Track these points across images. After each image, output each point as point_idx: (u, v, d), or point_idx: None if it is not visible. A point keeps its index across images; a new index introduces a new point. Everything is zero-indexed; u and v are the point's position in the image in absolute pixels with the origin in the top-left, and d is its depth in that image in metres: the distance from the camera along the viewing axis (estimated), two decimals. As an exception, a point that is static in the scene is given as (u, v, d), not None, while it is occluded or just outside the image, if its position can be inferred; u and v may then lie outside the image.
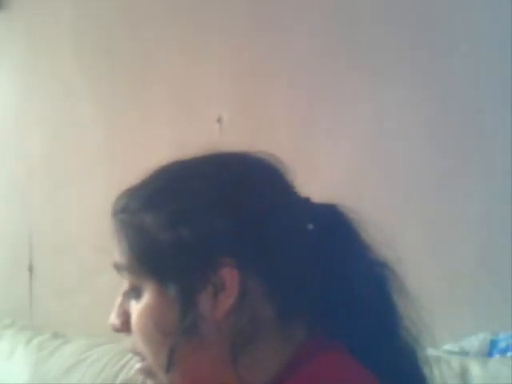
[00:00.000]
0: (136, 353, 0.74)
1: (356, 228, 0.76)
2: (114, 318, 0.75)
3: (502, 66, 1.67)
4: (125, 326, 0.73)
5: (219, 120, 1.91)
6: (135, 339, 0.72)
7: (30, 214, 2.16)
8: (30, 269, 2.14)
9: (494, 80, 1.69)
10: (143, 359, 0.73)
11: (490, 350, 1.51)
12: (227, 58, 1.95)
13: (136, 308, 0.72)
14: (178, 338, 0.68)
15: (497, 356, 1.49)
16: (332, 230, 0.75)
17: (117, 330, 0.74)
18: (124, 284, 0.74)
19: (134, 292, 0.72)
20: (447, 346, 1.51)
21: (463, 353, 1.51)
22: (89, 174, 2.10)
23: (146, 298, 0.71)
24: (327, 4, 1.85)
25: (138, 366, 0.74)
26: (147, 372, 0.73)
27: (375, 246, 0.75)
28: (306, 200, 0.77)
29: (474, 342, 1.53)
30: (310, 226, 0.74)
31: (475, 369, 1.41)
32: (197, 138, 1.82)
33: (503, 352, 1.49)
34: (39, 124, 2.18)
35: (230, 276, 0.68)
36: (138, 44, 2.06)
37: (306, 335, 0.72)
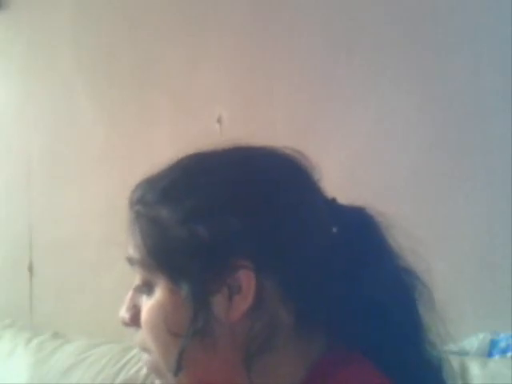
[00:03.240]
0: (143, 348, 0.71)
1: (383, 233, 0.72)
2: (123, 312, 0.72)
3: (503, 66, 1.67)
4: (134, 320, 0.71)
5: (219, 120, 1.91)
6: (144, 335, 0.70)
7: (30, 213, 2.16)
8: (30, 269, 2.14)
9: (494, 80, 1.69)
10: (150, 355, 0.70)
11: (490, 349, 1.51)
12: (227, 58, 1.95)
13: (147, 304, 0.69)
14: (188, 339, 0.65)
15: (497, 356, 1.49)
16: (358, 234, 0.71)
17: (126, 324, 0.72)
18: (136, 278, 0.72)
19: (146, 287, 0.70)
20: (447, 346, 1.51)
21: (463, 353, 1.51)
22: (89, 174, 2.10)
23: (158, 294, 0.68)
24: (328, 3, 1.85)
25: (144, 357, 0.72)
26: (154, 368, 0.70)
27: (403, 253, 0.72)
28: (332, 201, 0.74)
29: (474, 342, 1.53)
30: (334, 229, 0.71)
31: (475, 369, 1.41)
32: (197, 138, 1.81)
33: (503, 352, 1.49)
34: (39, 124, 2.18)
35: (246, 279, 0.65)
36: (138, 44, 2.06)
37: (325, 344, 0.69)
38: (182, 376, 0.67)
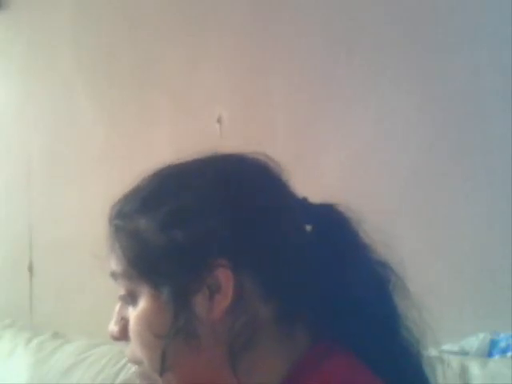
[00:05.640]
0: (134, 361, 0.72)
1: (355, 228, 0.75)
2: (112, 326, 0.74)
3: (503, 66, 1.67)
4: (123, 332, 0.72)
5: (219, 120, 1.91)
6: (133, 346, 0.71)
7: (30, 213, 2.16)
8: (30, 269, 2.14)
9: (494, 80, 1.69)
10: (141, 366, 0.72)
11: (490, 349, 1.51)
12: (227, 58, 1.95)
13: (132, 314, 0.71)
14: (170, 338, 0.67)
15: (497, 356, 1.49)
16: (330, 230, 0.74)
17: (115, 337, 0.73)
18: (121, 291, 0.73)
19: (131, 298, 0.71)
20: (447, 346, 1.51)
21: (463, 353, 1.51)
22: (89, 174, 2.11)
23: (142, 303, 0.70)
24: (328, 3, 1.85)
25: (134, 368, 0.73)
26: (145, 377, 0.71)
27: (375, 246, 0.74)
28: (303, 200, 0.76)
29: (474, 342, 1.53)
30: (308, 227, 0.73)
31: (475, 369, 1.41)
32: (197, 138, 1.82)
33: (503, 352, 1.49)
34: (39, 124, 2.18)
35: (225, 277, 0.67)
36: (138, 44, 2.06)
37: (308, 339, 0.71)
38: (170, 377, 0.68)
